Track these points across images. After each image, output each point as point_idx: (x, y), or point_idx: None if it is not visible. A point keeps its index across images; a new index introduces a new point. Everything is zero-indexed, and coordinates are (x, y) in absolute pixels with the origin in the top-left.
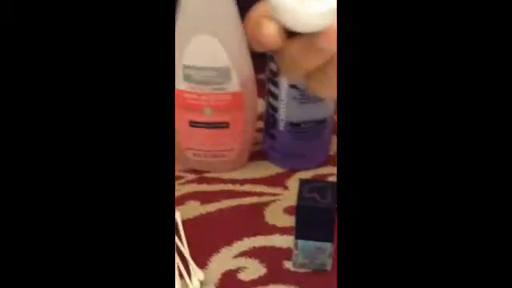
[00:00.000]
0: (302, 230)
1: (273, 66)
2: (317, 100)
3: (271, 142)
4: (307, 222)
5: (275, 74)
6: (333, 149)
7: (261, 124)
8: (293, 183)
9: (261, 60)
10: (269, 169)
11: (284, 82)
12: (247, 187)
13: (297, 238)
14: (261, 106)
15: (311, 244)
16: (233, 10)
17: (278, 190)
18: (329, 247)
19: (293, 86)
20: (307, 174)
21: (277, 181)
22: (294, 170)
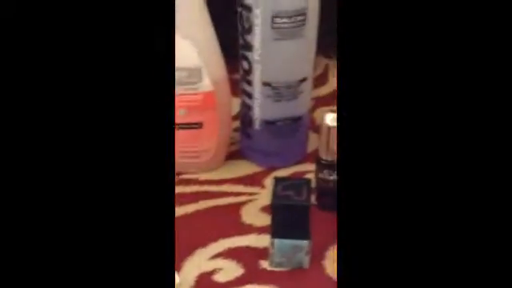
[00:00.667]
0: (277, 229)
1: (245, 65)
2: (291, 97)
3: (248, 141)
4: (282, 221)
5: (248, 72)
6: (309, 146)
7: (238, 123)
8: (270, 182)
9: (234, 59)
10: (246, 168)
11: (257, 81)
12: (224, 187)
13: (273, 236)
14: (237, 105)
15: (288, 242)
16: (203, 10)
17: (255, 190)
18: (306, 245)
19: (266, 84)
20: (285, 172)
21: (254, 180)
22: (271, 169)
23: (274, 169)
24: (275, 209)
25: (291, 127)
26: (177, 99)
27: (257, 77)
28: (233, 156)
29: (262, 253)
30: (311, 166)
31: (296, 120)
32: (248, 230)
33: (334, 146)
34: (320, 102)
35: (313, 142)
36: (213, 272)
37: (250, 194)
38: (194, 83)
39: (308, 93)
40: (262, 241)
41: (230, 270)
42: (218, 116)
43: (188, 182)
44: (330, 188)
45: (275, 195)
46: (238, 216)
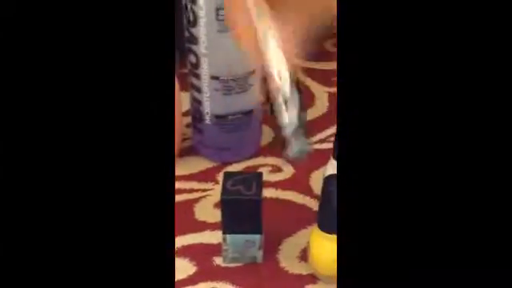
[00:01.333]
0: (228, 224)
1: (192, 59)
2: (240, 90)
3: (200, 136)
4: (233, 216)
5: (195, 66)
6: (263, 139)
7: (190, 119)
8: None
9: (182, 53)
10: (199, 164)
11: (205, 74)
12: (177, 185)
13: (224, 232)
14: (188, 100)
15: (240, 237)
16: None
17: (208, 185)
18: (258, 239)
19: (214, 78)
20: (239, 167)
21: (207, 176)
22: (225, 164)
23: (227, 164)
24: (225, 204)
25: (243, 121)
26: None
27: (204, 70)
28: (186, 152)
29: (216, 249)
30: (264, 160)
31: (247, 113)
32: (201, 226)
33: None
34: None
35: (266, 136)
36: None
37: (203, 190)
38: None
39: (258, 86)
40: (215, 237)
41: (183, 268)
42: None
43: None
44: None
45: (225, 190)
46: (192, 213)
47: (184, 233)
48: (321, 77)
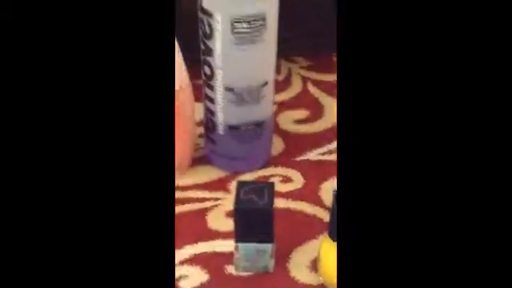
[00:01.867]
0: (241, 233)
1: (207, 70)
2: (254, 102)
3: (212, 146)
4: (246, 224)
5: (210, 77)
6: (274, 150)
7: (203, 129)
8: (235, 186)
9: (196, 65)
10: (211, 173)
11: (219, 86)
12: (189, 193)
13: (237, 241)
14: (201, 111)
15: (252, 246)
16: None
17: (220, 195)
18: (269, 248)
19: (228, 89)
20: (250, 177)
21: (219, 185)
22: (236, 173)
23: (238, 173)
24: (238, 213)
25: (255, 132)
26: None
27: (219, 82)
28: (198, 162)
29: (228, 258)
30: (275, 170)
31: (259, 124)
32: (214, 235)
33: None
34: (284, 106)
35: (277, 146)
36: (178, 279)
37: (216, 199)
38: None
39: (271, 97)
40: (227, 246)
41: (196, 276)
42: (181, 123)
43: None
44: None
45: (238, 199)
46: (204, 222)
47: (196, 241)
48: (330, 88)
